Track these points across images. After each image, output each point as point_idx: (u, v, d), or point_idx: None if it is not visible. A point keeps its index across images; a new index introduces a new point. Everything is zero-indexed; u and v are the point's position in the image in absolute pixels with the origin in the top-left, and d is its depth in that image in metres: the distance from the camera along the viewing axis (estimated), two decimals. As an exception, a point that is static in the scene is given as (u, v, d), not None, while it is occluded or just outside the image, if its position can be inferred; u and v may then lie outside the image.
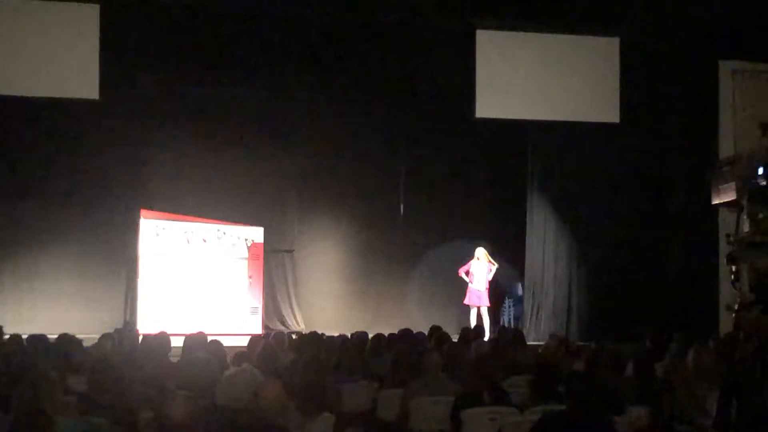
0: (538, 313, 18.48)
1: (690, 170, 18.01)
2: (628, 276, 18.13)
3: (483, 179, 19.92)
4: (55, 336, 10.28)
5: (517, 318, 18.87)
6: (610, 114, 17.48)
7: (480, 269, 17.80)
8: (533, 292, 18.53)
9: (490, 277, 17.91)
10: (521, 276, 18.96)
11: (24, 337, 10.73)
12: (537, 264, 18.60)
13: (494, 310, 18.48)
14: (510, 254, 18.93)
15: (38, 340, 10.20)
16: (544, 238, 18.64)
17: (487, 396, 7.53)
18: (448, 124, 18.80)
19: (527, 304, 18.50)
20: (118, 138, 17.87)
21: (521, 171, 18.82)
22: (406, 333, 11.86)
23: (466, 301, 17.87)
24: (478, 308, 17.79)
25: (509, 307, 19.31)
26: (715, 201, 17.21)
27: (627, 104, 17.47)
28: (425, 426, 7.90)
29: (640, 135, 17.86)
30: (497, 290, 18.70)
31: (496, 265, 17.95)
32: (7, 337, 11.34)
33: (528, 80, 17.37)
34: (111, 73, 15.44)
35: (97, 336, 10.70)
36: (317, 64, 17.53)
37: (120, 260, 17.83)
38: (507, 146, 19.24)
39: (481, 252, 17.91)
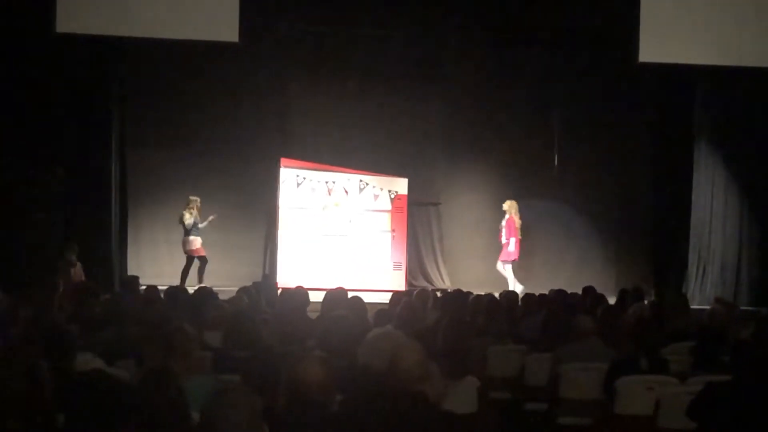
0: (703, 275, 17.98)
1: None
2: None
3: (644, 131, 19.42)
4: (192, 289, 10.52)
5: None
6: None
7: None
8: (699, 253, 18.01)
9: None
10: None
11: (161, 289, 11.03)
12: (703, 223, 18.06)
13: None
14: (673, 212, 18.48)
15: (175, 293, 10.46)
16: (711, 194, 18.06)
17: (644, 363, 7.38)
18: (607, 70, 18.40)
19: (691, 267, 18.04)
20: (257, 84, 18.14)
21: (687, 122, 18.26)
22: (558, 294, 11.76)
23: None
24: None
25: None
26: None
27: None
28: (576, 393, 7.82)
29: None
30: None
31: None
32: (143, 288, 11.68)
33: (697, 20, 16.77)
34: (250, 15, 15.56)
35: (235, 289, 10.90)
36: (468, 5, 17.36)
37: (259, 211, 18.14)
38: (672, 95, 18.70)
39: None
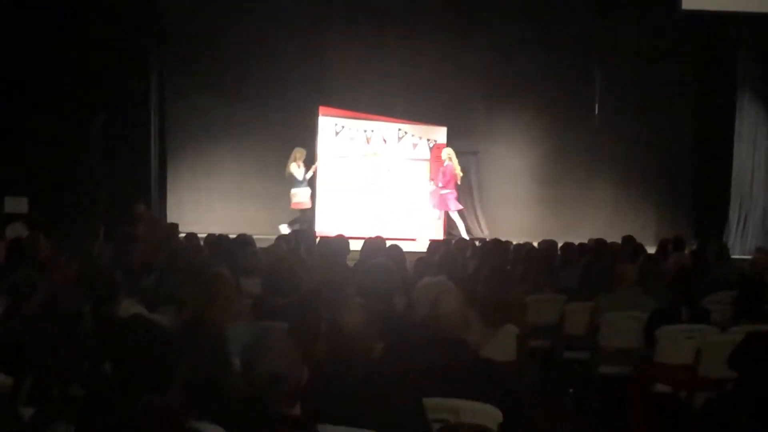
0: (744, 225, 17.86)
1: None
2: None
3: (687, 80, 19.19)
4: (232, 236, 10.55)
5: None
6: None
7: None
8: (740, 202, 17.88)
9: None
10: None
11: (200, 236, 11.09)
12: (745, 173, 17.91)
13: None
14: (715, 162, 18.31)
15: (215, 239, 10.51)
16: (754, 142, 17.89)
17: (685, 313, 7.35)
18: (649, 18, 18.16)
19: (732, 217, 17.90)
20: (296, 32, 18.06)
21: (730, 72, 18.02)
22: (597, 243, 11.71)
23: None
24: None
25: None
26: None
27: None
28: (616, 342, 7.81)
29: None
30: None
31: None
32: (182, 235, 11.75)
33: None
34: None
35: (274, 237, 10.93)
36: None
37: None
38: (715, 44, 18.46)
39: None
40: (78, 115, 15.60)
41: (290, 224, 16.66)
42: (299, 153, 16.98)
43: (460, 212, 17.51)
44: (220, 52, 17.84)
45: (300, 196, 17.03)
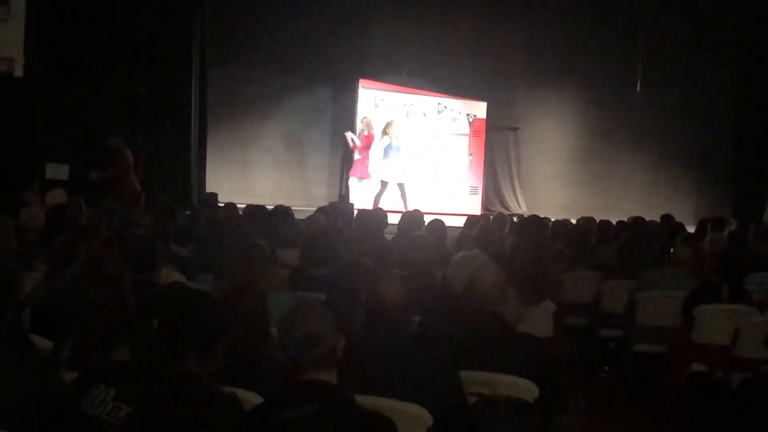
0: (785, 205, 17.72)
1: None
2: None
3: (730, 52, 19.00)
4: (270, 207, 10.59)
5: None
6: None
7: None
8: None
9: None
10: None
11: (239, 207, 11.13)
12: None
13: None
14: (756, 140, 18.12)
15: (254, 210, 10.54)
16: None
17: (725, 292, 7.30)
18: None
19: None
20: (337, 3, 18.02)
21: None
22: (636, 221, 11.65)
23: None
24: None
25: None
26: None
27: None
28: (654, 320, 7.77)
29: None
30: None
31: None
32: (221, 205, 11.80)
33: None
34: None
35: (312, 209, 10.96)
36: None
37: (337, 132, 18.14)
38: (760, 14, 18.21)
39: None
40: (119, 84, 15.66)
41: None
42: (388, 124, 16.88)
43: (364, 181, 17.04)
44: (261, 23, 17.84)
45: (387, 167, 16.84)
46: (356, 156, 16.74)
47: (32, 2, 14.94)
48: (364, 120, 17.11)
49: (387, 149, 16.73)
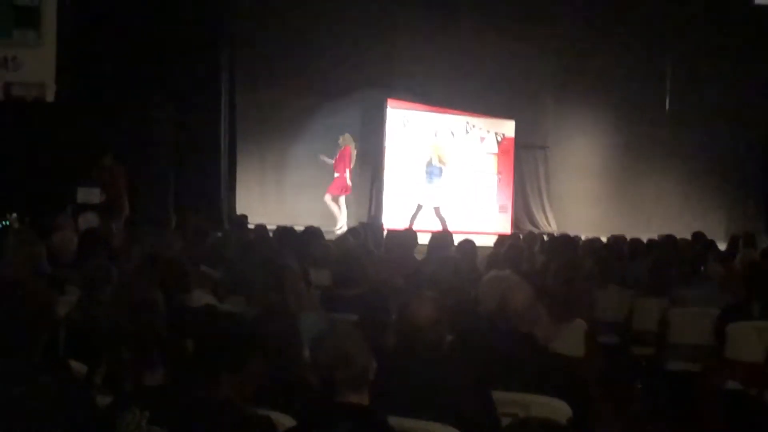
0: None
1: None
2: None
3: (760, 76, 18.90)
4: (301, 228, 10.61)
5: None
6: None
7: None
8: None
9: None
10: None
11: (269, 228, 11.16)
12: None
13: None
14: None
15: (284, 231, 10.56)
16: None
17: (756, 309, 7.25)
18: (721, 13, 17.97)
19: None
20: (365, 24, 18.08)
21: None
22: (667, 239, 11.59)
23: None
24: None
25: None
26: None
27: None
28: (686, 338, 7.73)
29: None
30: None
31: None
32: (251, 227, 11.83)
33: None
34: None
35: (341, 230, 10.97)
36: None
37: (365, 152, 18.18)
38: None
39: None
40: (149, 107, 15.79)
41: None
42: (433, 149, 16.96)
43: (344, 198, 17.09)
44: (289, 44, 17.89)
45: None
46: (335, 174, 16.86)
47: (63, 28, 15.08)
48: (343, 136, 17.11)
49: (430, 173, 16.76)
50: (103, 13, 15.42)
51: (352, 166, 17.05)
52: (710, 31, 18.39)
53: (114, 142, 15.00)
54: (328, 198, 16.94)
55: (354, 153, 17.07)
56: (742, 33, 18.25)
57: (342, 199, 16.94)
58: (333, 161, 16.87)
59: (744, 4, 16.41)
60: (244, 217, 13.81)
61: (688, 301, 7.81)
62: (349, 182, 16.93)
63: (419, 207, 16.37)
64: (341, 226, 15.77)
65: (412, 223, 15.78)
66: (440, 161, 16.78)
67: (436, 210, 16.39)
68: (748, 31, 18.14)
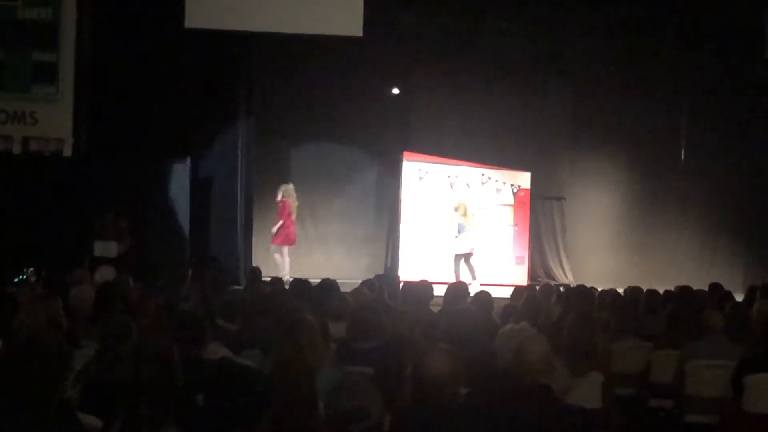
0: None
1: None
2: None
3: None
4: (317, 281, 10.63)
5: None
6: None
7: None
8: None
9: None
10: None
11: (285, 281, 11.18)
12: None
13: None
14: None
15: (299, 284, 10.58)
16: None
17: (774, 361, 7.22)
18: (734, 65, 18.06)
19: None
20: (380, 77, 18.20)
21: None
22: (684, 290, 11.56)
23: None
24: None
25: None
26: None
27: None
28: (704, 391, 7.69)
29: None
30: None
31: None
32: (267, 279, 11.85)
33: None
34: (375, 8, 15.62)
35: (358, 281, 10.98)
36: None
37: (382, 204, 18.22)
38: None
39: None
40: (165, 159, 15.90)
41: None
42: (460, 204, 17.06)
43: (289, 249, 17.10)
44: (306, 97, 18.00)
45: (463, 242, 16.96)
46: (278, 225, 16.82)
47: (81, 82, 15.22)
48: (284, 186, 17.09)
49: (460, 227, 16.80)
50: (121, 66, 15.56)
51: (294, 217, 17.02)
52: (725, 83, 18.46)
53: (130, 195, 15.10)
54: (272, 248, 17.01)
55: (295, 204, 17.02)
56: (756, 85, 18.30)
57: (285, 250, 16.88)
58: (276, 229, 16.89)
59: (758, 56, 16.46)
60: (258, 270, 13.84)
61: (703, 354, 7.77)
62: (293, 234, 16.93)
63: (458, 258, 16.49)
64: (284, 275, 15.68)
65: (457, 275, 15.89)
66: (464, 215, 16.83)
67: (466, 256, 16.51)
68: (762, 83, 18.19)
